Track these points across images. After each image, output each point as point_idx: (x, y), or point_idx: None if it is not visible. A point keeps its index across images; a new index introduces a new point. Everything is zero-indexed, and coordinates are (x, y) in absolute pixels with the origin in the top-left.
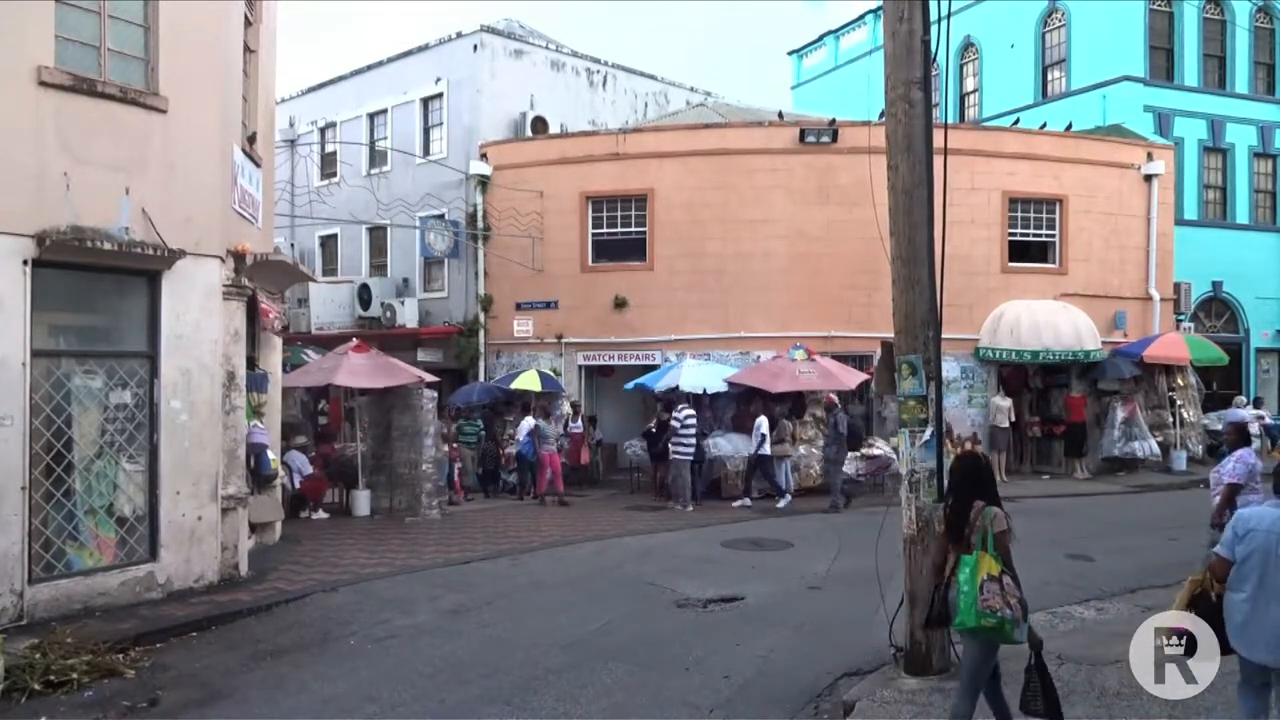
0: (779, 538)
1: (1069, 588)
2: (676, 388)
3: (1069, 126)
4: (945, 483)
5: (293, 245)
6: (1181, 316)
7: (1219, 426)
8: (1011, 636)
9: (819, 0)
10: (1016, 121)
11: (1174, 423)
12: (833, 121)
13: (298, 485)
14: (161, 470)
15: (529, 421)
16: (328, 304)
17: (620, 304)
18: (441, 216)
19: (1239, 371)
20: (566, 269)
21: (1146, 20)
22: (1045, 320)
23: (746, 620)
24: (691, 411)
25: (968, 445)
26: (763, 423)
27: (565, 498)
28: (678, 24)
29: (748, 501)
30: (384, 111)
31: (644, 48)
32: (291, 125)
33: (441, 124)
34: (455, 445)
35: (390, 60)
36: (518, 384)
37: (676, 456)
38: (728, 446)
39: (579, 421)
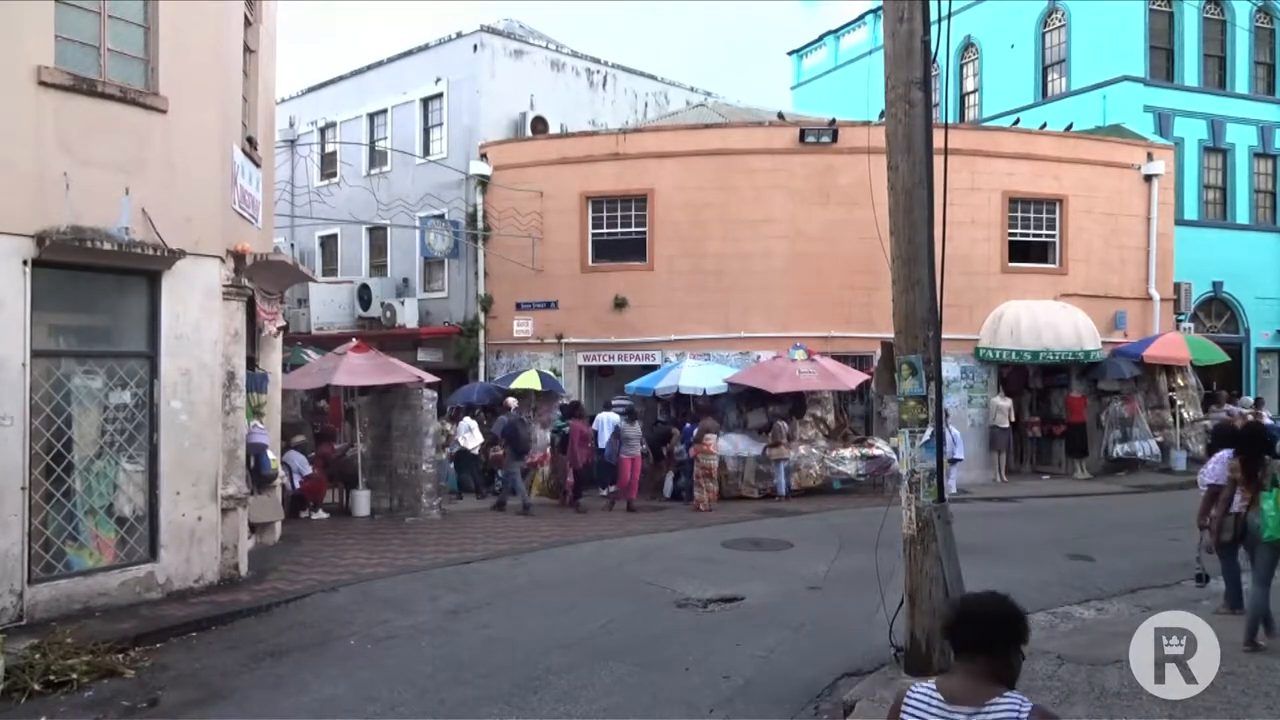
0: (779, 538)
1: (1069, 588)
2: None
3: (1069, 127)
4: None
5: (293, 245)
6: (1181, 317)
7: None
8: None
9: (816, 0)
10: (1016, 121)
11: (1174, 423)
12: (833, 121)
13: (298, 485)
14: (161, 470)
15: (469, 422)
16: (328, 304)
17: (620, 304)
18: (441, 216)
19: (1239, 371)
20: (566, 269)
21: (1146, 20)
22: (1045, 320)
23: (746, 620)
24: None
25: (1249, 415)
26: (467, 424)
27: (635, 504)
28: (678, 24)
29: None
30: (384, 111)
31: (644, 48)
32: (291, 125)
33: (441, 124)
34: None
35: (390, 60)
36: (518, 384)
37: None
38: (727, 446)
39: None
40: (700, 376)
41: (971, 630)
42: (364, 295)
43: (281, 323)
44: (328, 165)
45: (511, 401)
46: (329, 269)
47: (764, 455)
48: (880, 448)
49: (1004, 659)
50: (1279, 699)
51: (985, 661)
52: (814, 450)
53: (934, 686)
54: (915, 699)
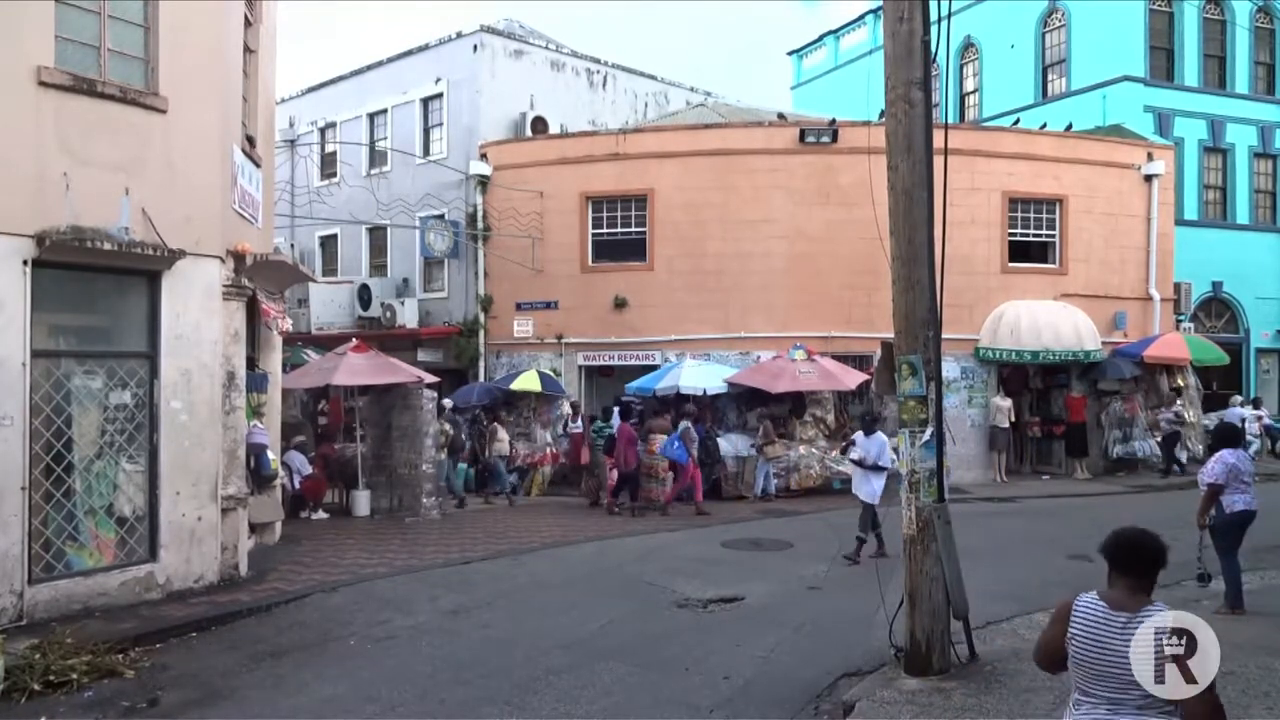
0: (779, 538)
1: (1069, 587)
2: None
3: (1069, 127)
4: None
5: (293, 245)
6: (1181, 317)
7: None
8: None
9: (816, 0)
10: (1016, 121)
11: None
12: (833, 121)
13: (298, 485)
14: (161, 470)
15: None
16: (328, 304)
17: (620, 304)
18: (441, 216)
19: (1239, 371)
20: (566, 269)
21: (1146, 20)
22: (1045, 320)
23: (746, 620)
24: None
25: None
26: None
27: (703, 508)
28: (678, 24)
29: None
30: (384, 111)
31: (644, 48)
32: (291, 125)
33: (441, 124)
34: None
35: (390, 60)
36: (518, 384)
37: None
38: (727, 447)
39: (579, 422)
40: (700, 376)
41: (1130, 555)
42: (364, 295)
43: (288, 320)
44: (328, 165)
45: (447, 402)
46: (329, 269)
47: (760, 455)
48: None
49: (1151, 578)
50: (1279, 699)
51: (1138, 579)
52: (814, 450)
53: (1097, 596)
54: (1084, 605)
